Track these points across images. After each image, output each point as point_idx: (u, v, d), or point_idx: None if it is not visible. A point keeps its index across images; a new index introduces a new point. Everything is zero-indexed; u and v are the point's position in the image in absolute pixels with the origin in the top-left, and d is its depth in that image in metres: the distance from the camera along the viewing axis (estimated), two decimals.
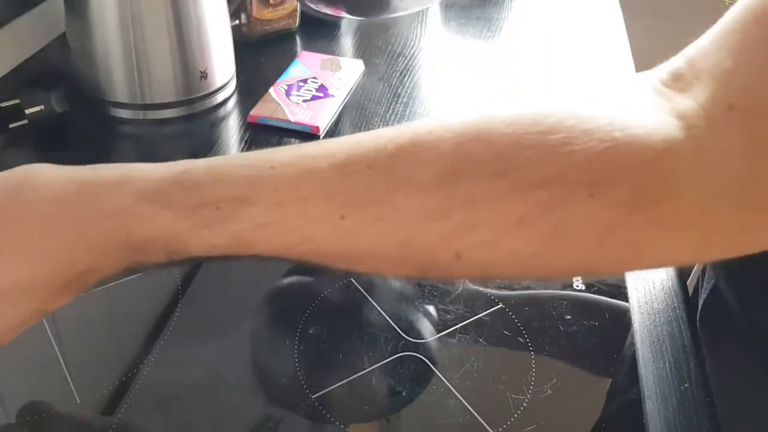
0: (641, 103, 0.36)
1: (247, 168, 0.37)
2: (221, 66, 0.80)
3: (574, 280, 0.60)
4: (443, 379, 0.51)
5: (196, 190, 0.37)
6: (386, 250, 0.36)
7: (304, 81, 0.84)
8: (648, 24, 1.27)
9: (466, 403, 0.49)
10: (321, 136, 0.77)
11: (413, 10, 0.63)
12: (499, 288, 0.58)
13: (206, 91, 0.79)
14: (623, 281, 0.60)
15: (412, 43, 0.98)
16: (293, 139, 0.76)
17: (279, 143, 0.75)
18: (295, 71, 0.86)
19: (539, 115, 0.35)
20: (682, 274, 0.63)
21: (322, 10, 0.62)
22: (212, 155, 0.72)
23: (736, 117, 0.33)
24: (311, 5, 0.61)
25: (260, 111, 0.78)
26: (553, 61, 0.95)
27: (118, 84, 0.75)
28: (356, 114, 0.82)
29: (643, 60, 0.80)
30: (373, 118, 0.81)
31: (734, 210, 0.33)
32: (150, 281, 0.57)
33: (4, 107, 0.72)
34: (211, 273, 0.59)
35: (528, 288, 0.59)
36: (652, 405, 0.51)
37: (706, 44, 0.36)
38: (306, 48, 0.94)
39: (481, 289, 0.58)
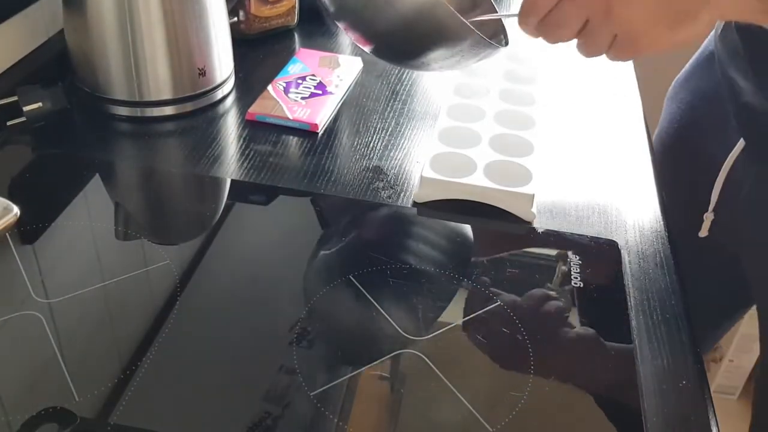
0: None
1: None
2: (219, 63, 0.80)
3: (572, 277, 0.60)
4: (442, 376, 0.51)
5: None
6: None
7: (303, 78, 0.84)
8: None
9: (464, 401, 0.49)
10: (319, 134, 0.77)
11: (440, 70, 0.67)
12: (496, 286, 0.59)
13: (204, 89, 0.79)
14: (621, 279, 0.60)
15: None
16: (292, 137, 0.76)
17: (277, 141, 0.75)
18: (293, 68, 0.86)
19: None
20: (681, 273, 0.63)
21: (353, 40, 0.67)
22: (210, 153, 0.72)
23: None
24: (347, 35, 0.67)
25: (258, 108, 0.78)
26: (552, 56, 0.95)
27: (116, 81, 0.75)
28: (355, 111, 0.82)
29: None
30: (371, 115, 0.81)
31: None
32: (148, 279, 0.57)
33: (1, 105, 0.72)
34: (209, 270, 0.59)
35: (526, 285, 0.59)
36: (650, 402, 0.51)
37: None
38: (304, 45, 0.94)
39: (479, 286, 0.58)
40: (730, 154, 0.72)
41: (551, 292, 0.58)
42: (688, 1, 0.49)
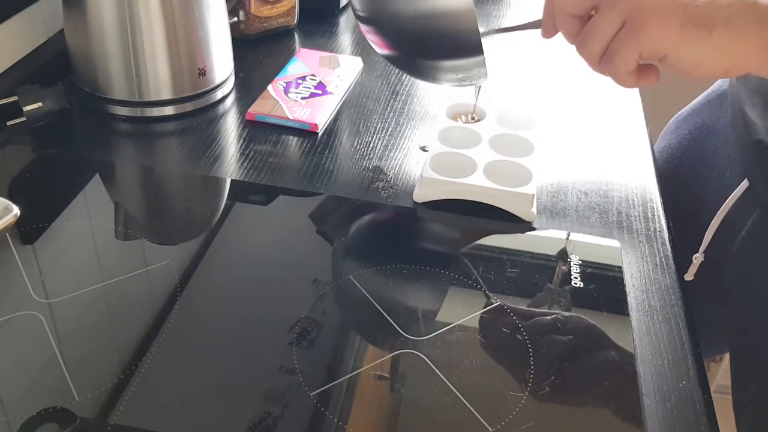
0: None
1: None
2: (219, 63, 0.80)
3: (572, 277, 0.60)
4: (441, 376, 0.51)
5: None
6: None
7: (303, 78, 0.84)
8: None
9: (464, 401, 0.49)
10: (319, 134, 0.77)
11: (458, 84, 0.66)
12: (496, 286, 0.59)
13: (204, 89, 0.79)
14: (621, 280, 0.60)
15: None
16: (291, 137, 0.76)
17: (277, 141, 0.75)
18: (293, 68, 0.86)
19: None
20: (680, 272, 0.63)
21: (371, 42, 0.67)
22: (210, 153, 0.72)
23: None
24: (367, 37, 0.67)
25: (258, 108, 0.78)
26: (551, 53, 0.95)
27: (116, 81, 0.75)
28: (355, 111, 0.82)
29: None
30: (371, 115, 0.81)
31: None
32: (148, 279, 0.57)
33: (1, 105, 0.72)
34: (209, 270, 0.59)
35: (526, 285, 0.59)
36: (650, 402, 0.51)
37: None
38: (304, 45, 0.94)
39: (479, 286, 0.58)
40: (732, 195, 0.70)
41: (559, 323, 0.57)
42: (705, 8, 0.48)
